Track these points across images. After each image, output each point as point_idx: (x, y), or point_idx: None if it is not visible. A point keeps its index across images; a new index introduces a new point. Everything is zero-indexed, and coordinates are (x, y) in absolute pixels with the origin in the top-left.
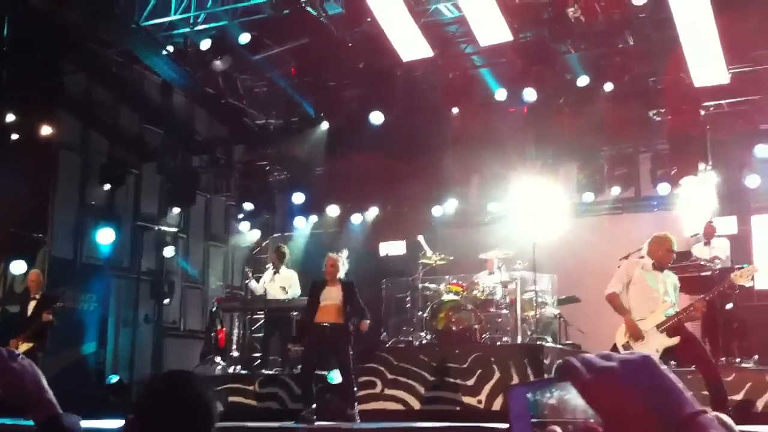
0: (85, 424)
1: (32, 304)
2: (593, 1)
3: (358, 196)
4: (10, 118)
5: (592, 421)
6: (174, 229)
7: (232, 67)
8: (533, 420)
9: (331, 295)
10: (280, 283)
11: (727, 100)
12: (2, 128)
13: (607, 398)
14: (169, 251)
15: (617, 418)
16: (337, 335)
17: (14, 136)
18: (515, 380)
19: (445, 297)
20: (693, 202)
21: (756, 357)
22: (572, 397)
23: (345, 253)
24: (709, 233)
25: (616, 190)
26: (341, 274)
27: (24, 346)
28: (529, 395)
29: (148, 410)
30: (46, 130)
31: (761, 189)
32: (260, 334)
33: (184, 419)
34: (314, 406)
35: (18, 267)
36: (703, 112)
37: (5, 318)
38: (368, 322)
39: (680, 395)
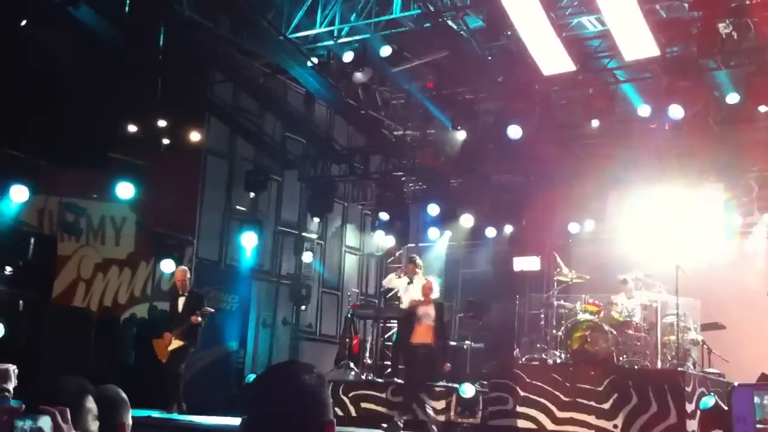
0: (223, 421)
1: (181, 301)
2: (746, 16)
3: (493, 209)
4: (162, 123)
5: None
6: (313, 236)
7: (372, 79)
8: (758, 425)
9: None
10: (416, 293)
11: None
12: (155, 133)
13: None
14: (308, 257)
15: None
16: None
17: (165, 141)
18: (654, 407)
19: (581, 316)
20: None
21: None
22: None
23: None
24: None
25: (765, 214)
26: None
27: (176, 343)
28: (756, 398)
29: (256, 404)
30: (195, 136)
31: None
32: (391, 343)
33: (291, 408)
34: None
35: (167, 266)
36: None
37: (154, 314)
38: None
39: None
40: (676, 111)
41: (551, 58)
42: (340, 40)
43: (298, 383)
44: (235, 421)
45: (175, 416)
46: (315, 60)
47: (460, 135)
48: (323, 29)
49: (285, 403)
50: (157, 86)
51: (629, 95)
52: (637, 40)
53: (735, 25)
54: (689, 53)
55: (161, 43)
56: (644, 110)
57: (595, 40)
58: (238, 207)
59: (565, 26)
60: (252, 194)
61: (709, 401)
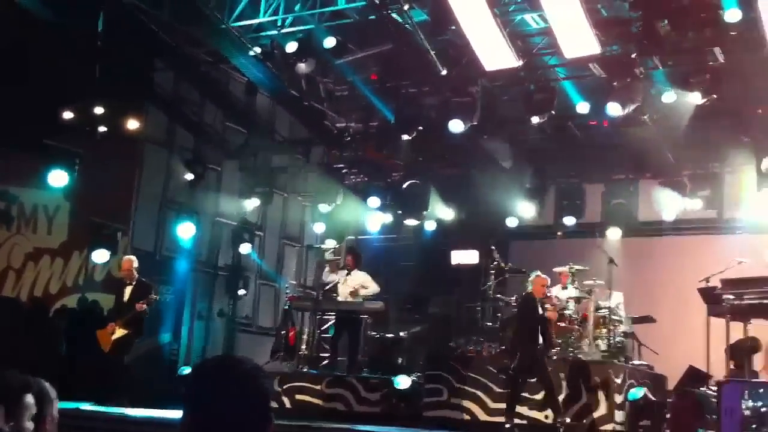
0: (155, 413)
1: (128, 290)
2: (684, 16)
3: (433, 202)
4: (99, 111)
5: None
6: (252, 227)
7: (316, 70)
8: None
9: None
10: (353, 285)
11: None
12: (91, 121)
13: None
14: (245, 248)
15: None
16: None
17: (102, 129)
18: (584, 398)
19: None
20: None
21: None
22: None
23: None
24: None
25: (697, 211)
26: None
27: (120, 332)
28: (745, 394)
29: (205, 400)
30: (133, 124)
31: None
32: (332, 335)
33: (243, 406)
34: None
35: (100, 256)
36: None
37: (84, 305)
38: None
39: None
40: (614, 108)
41: (494, 53)
42: (284, 30)
43: (249, 380)
44: (167, 413)
45: (105, 408)
46: (258, 49)
47: (403, 128)
48: (267, 18)
49: (237, 402)
50: (96, 73)
51: (569, 92)
52: (577, 38)
53: (673, 25)
54: (628, 52)
55: (101, 28)
56: (583, 107)
57: (538, 37)
58: (175, 197)
59: (508, 23)
60: (190, 184)
61: (638, 393)
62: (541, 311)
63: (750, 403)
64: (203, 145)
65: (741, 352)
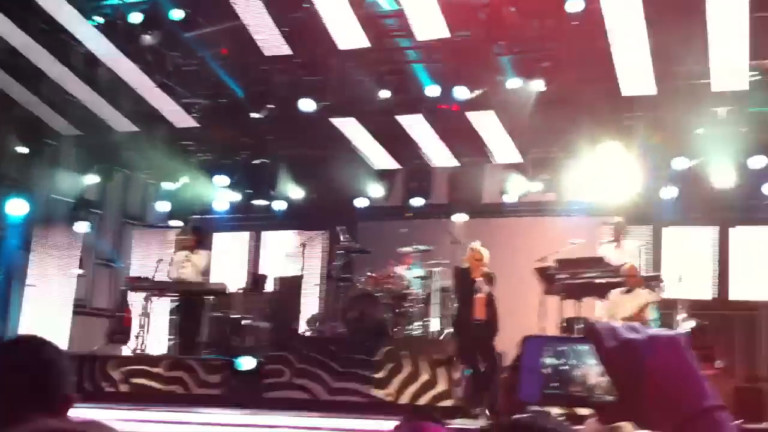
0: None
1: None
2: (529, 5)
3: (282, 182)
4: None
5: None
6: (90, 205)
7: (162, 43)
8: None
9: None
10: (196, 264)
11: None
12: None
13: (627, 371)
14: (82, 227)
15: (632, 393)
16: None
17: None
18: (424, 376)
19: (360, 289)
20: (610, 210)
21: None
22: (585, 367)
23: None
24: (617, 233)
25: (538, 193)
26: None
27: None
28: (545, 351)
29: None
30: None
31: (676, 201)
32: (173, 316)
33: (28, 385)
34: None
35: None
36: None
37: None
38: None
39: (701, 385)
40: (461, 92)
41: (346, 33)
42: (128, 0)
43: (33, 356)
44: None
45: None
46: (100, 19)
47: (252, 105)
48: None
49: (19, 377)
50: None
51: (420, 75)
52: (428, 21)
53: (520, 12)
54: (477, 37)
55: None
56: (433, 90)
57: (390, 18)
58: (7, 172)
59: (361, 2)
60: (24, 159)
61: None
62: (485, 287)
63: (551, 361)
64: (39, 118)
65: (573, 330)
